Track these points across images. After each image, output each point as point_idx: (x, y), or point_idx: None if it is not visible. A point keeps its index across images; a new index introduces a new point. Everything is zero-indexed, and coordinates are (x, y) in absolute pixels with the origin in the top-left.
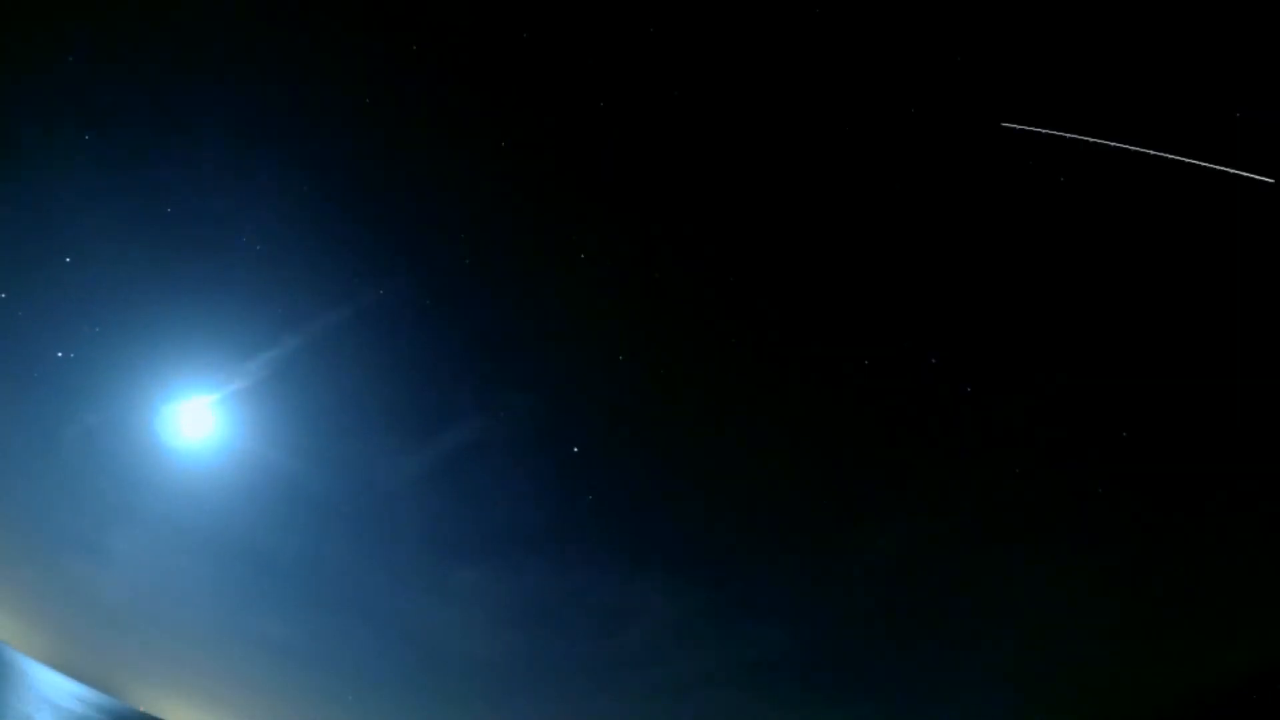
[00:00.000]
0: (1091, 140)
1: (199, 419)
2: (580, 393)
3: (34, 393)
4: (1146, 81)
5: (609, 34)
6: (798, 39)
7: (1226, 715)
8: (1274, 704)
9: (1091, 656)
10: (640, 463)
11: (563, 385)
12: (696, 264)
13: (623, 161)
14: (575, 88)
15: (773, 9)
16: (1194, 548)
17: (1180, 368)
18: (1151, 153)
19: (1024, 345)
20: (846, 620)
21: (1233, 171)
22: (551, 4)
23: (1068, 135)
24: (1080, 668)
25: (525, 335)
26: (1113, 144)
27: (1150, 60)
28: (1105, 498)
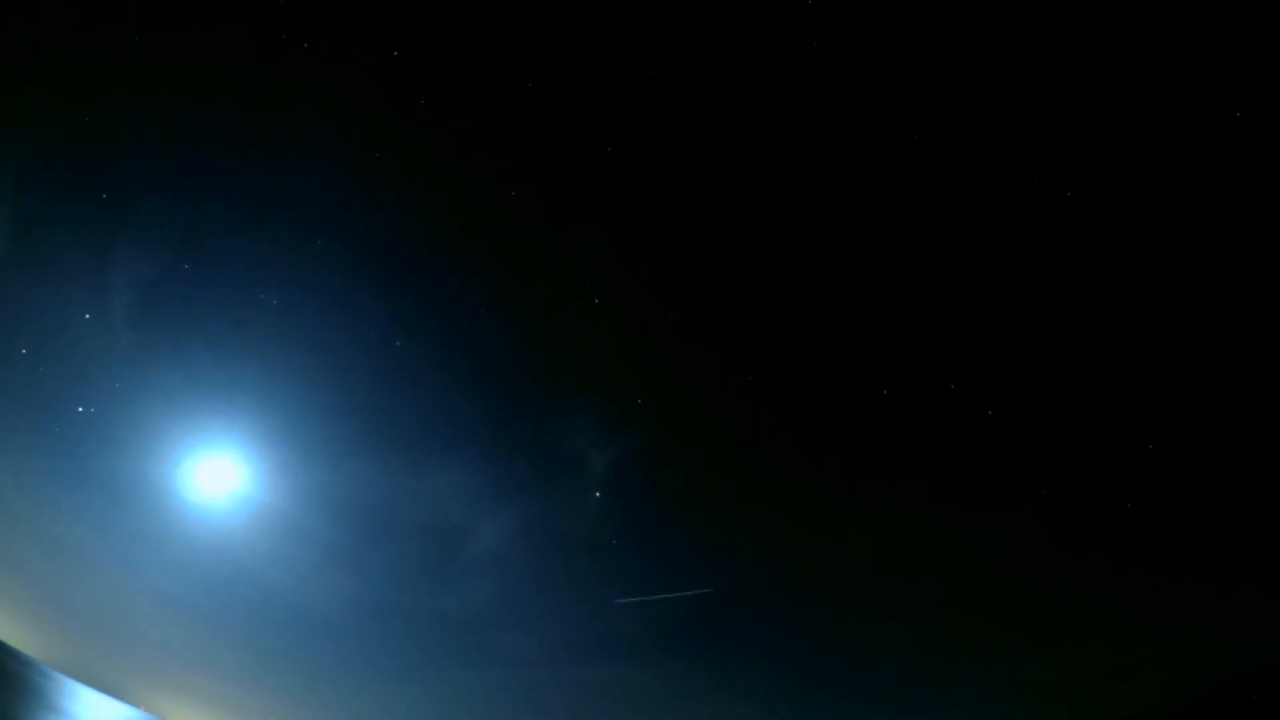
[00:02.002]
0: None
1: (218, 473)
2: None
3: (55, 448)
4: (1146, 83)
5: (611, 79)
6: (800, 72)
7: (1226, 715)
8: (1274, 704)
9: (1095, 656)
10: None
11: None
12: (709, 301)
13: (632, 204)
14: (581, 133)
15: (772, 45)
16: (1210, 554)
17: (1198, 378)
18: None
19: (1041, 366)
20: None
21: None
22: (554, 52)
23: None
24: (1083, 667)
25: (537, 375)
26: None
27: (1150, 60)
28: (1133, 513)
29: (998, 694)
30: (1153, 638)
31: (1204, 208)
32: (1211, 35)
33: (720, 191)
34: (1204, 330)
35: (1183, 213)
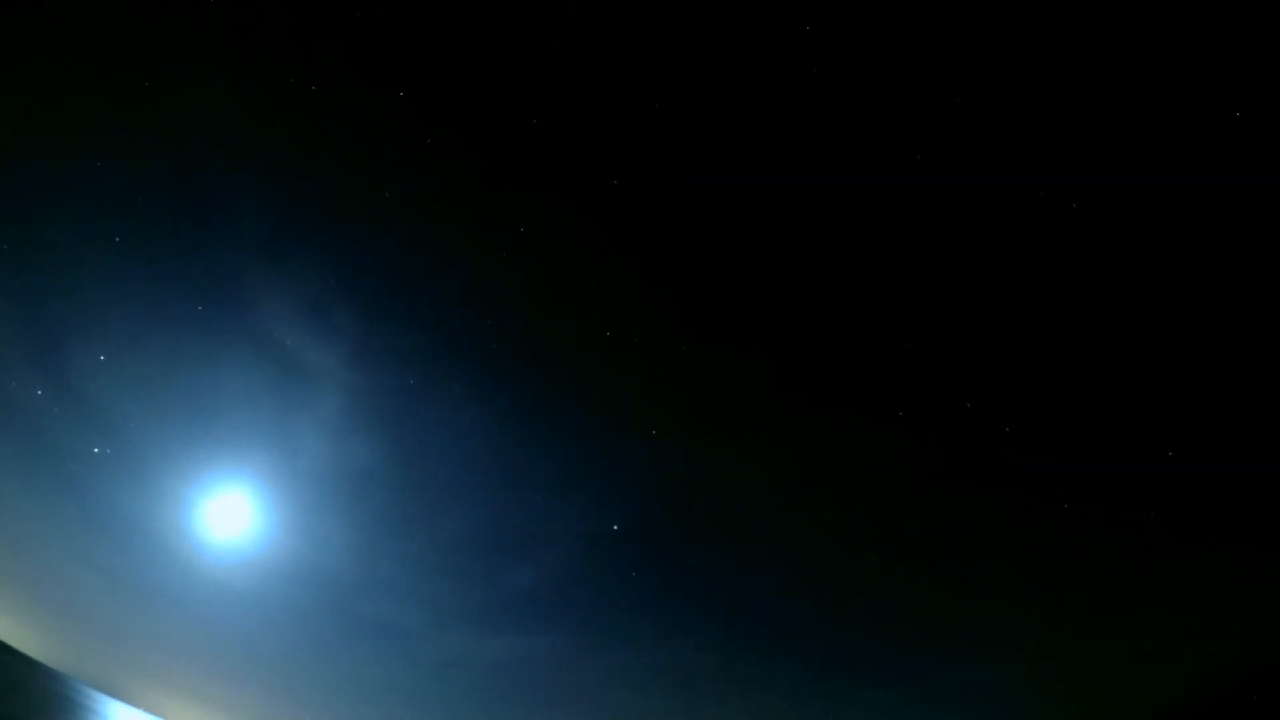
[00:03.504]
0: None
1: (229, 512)
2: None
3: (71, 488)
4: (1147, 84)
5: (615, 114)
6: (802, 98)
7: (1226, 715)
8: (1274, 704)
9: (1096, 657)
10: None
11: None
12: (721, 331)
13: (640, 236)
14: (587, 168)
15: (773, 74)
16: (1215, 556)
17: (1211, 384)
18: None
19: (1054, 379)
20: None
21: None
22: (557, 88)
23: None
24: (1083, 668)
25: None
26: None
27: (1150, 61)
28: (1155, 521)
29: (1002, 695)
30: (1154, 639)
31: (1210, 213)
32: (1211, 37)
33: (732, 236)
34: (1211, 334)
35: (1189, 219)
